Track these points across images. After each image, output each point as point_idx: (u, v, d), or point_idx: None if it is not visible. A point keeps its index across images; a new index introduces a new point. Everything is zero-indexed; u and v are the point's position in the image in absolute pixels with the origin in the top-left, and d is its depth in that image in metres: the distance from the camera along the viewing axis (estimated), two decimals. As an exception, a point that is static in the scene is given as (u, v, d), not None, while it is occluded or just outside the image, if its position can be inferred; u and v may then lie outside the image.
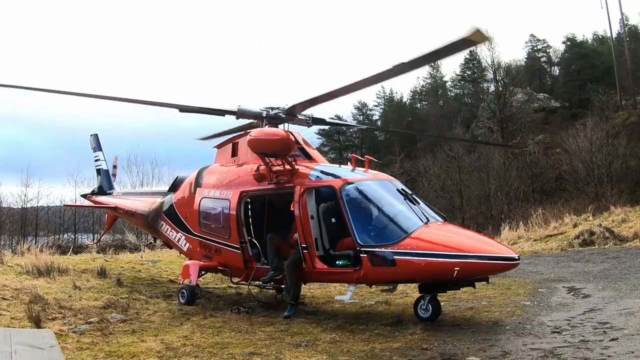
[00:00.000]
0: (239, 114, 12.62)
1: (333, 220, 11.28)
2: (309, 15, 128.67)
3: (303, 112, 12.86)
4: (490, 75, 57.95)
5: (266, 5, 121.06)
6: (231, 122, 13.21)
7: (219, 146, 14.02)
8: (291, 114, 12.60)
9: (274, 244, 11.77)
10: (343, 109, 77.66)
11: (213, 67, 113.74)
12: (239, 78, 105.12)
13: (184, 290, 12.34)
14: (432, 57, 10.21)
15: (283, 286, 11.74)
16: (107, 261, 17.91)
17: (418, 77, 76.15)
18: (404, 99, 76.27)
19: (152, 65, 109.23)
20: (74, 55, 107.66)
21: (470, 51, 66.51)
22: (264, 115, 12.60)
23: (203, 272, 13.40)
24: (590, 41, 63.95)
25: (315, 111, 13.13)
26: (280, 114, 12.57)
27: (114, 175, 20.11)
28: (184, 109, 12.33)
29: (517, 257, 9.74)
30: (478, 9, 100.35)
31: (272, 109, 12.70)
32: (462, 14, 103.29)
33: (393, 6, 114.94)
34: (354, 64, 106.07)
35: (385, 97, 76.55)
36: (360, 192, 11.18)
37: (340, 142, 70.87)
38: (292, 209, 11.51)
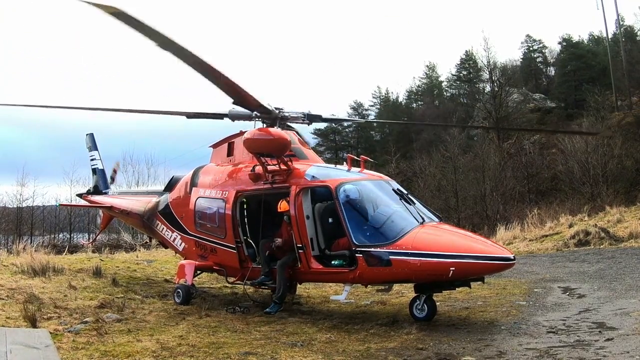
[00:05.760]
0: (231, 116, 12.77)
1: (329, 220, 11.29)
2: (305, 16, 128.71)
3: (300, 111, 12.97)
4: (486, 75, 58.10)
5: (263, 6, 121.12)
6: (227, 122, 13.35)
7: (214, 146, 14.01)
8: (264, 111, 12.72)
9: (266, 249, 11.79)
10: (339, 109, 77.83)
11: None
12: (238, 77, 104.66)
13: (179, 290, 12.34)
14: None
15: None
16: (102, 261, 17.88)
17: (414, 77, 76.34)
18: (400, 99, 76.45)
19: (148, 66, 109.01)
20: (71, 57, 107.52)
21: (467, 51, 66.82)
22: (254, 115, 12.67)
23: (199, 272, 13.41)
24: (586, 42, 64.00)
25: (312, 110, 13.23)
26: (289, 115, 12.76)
27: (113, 179, 20.10)
28: (190, 115, 12.92)
29: (512, 257, 9.77)
30: (475, 9, 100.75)
31: (281, 110, 12.79)
32: (459, 13, 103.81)
33: (392, 6, 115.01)
34: (352, 63, 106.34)
35: (381, 97, 76.68)
36: (356, 192, 11.21)
37: (336, 142, 70.83)
38: (279, 209, 11.52)
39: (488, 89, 57.38)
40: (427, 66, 75.69)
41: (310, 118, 13.36)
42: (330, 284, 14.04)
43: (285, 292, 11.72)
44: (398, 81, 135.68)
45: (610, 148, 39.01)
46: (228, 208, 12.40)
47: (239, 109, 12.64)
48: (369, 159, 12.61)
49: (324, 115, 14.26)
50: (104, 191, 19.10)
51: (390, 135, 65.00)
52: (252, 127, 12.70)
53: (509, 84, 53.96)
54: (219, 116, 12.88)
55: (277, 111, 12.72)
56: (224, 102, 12.28)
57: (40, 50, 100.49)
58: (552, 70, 68.69)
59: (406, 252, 9.90)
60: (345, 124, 69.06)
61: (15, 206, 46.83)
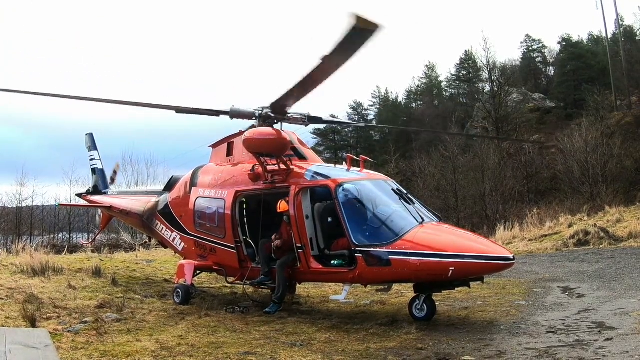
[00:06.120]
0: (232, 114, 12.61)
1: (328, 220, 11.28)
2: (305, 15, 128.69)
3: (299, 112, 12.88)
4: (485, 75, 58.05)
5: (265, 4, 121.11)
6: (226, 122, 13.25)
7: (214, 146, 14.00)
8: (281, 112, 12.53)
9: (265, 249, 11.78)
10: (339, 109, 77.75)
11: (209, 66, 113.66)
12: (234, 78, 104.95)
13: (178, 290, 12.33)
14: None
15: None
16: (102, 261, 17.88)
17: (414, 77, 76.21)
18: (399, 99, 76.45)
19: (148, 65, 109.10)
20: (71, 57, 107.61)
21: (466, 51, 66.82)
22: (257, 114, 12.59)
23: (198, 272, 13.40)
24: (585, 41, 64.01)
25: (311, 110, 13.17)
26: (270, 113, 12.57)
27: (113, 180, 20.05)
28: (180, 110, 12.44)
29: (512, 257, 9.77)
30: (474, 9, 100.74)
31: (265, 108, 12.71)
32: (459, 13, 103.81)
33: (392, 6, 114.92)
34: (351, 63, 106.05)
35: (381, 97, 76.66)
36: (356, 192, 11.20)
37: (336, 141, 70.83)
38: (278, 209, 11.51)
39: (487, 88, 57.35)
40: (427, 66, 75.73)
41: (311, 120, 13.35)
42: (330, 283, 14.04)
43: (285, 292, 11.72)
44: (398, 82, 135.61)
45: (610, 148, 38.99)
46: (227, 208, 12.40)
47: (241, 108, 12.60)
48: (368, 158, 12.60)
49: (324, 117, 14.25)
50: (103, 191, 19.10)
51: (390, 135, 64.92)
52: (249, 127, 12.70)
53: (508, 84, 53.87)
54: (214, 113, 12.70)
55: (256, 111, 12.71)
56: (224, 102, 12.26)
57: (40, 50, 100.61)
58: (551, 70, 68.77)
59: (405, 252, 9.90)
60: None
61: (14, 206, 46.94)
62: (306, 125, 13.56)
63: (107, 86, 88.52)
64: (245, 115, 12.71)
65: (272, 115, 12.46)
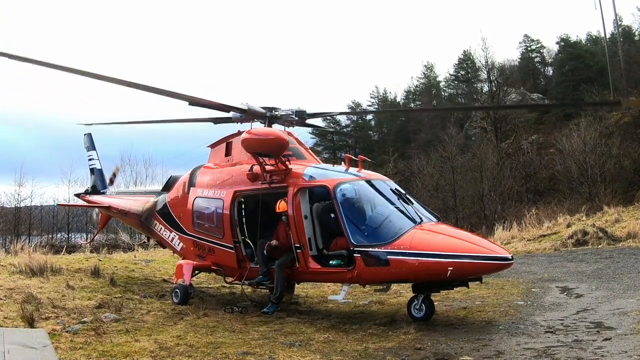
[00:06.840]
0: (249, 112, 12.59)
1: (327, 220, 11.29)
2: (305, 16, 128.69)
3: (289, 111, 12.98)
4: (484, 75, 58.13)
5: (265, 5, 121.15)
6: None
7: (212, 146, 14.00)
8: (301, 118, 12.73)
9: (263, 249, 11.77)
10: (338, 109, 77.69)
11: (209, 66, 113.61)
12: (234, 78, 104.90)
13: (177, 290, 12.31)
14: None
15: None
16: (100, 261, 17.84)
17: (412, 77, 76.18)
18: (398, 99, 76.39)
19: (149, 65, 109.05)
20: (71, 57, 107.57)
21: (465, 51, 66.88)
22: (267, 115, 12.63)
23: (196, 272, 13.39)
24: (583, 41, 64.10)
25: (308, 110, 13.17)
26: (292, 116, 12.65)
27: (112, 181, 19.95)
28: (193, 101, 12.08)
29: (510, 257, 9.77)
30: (473, 9, 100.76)
31: (274, 109, 12.73)
32: (457, 13, 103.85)
33: (392, 6, 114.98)
34: (351, 63, 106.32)
35: (379, 97, 76.59)
36: (354, 192, 11.20)
37: (334, 141, 70.83)
38: (277, 210, 11.51)
39: (486, 88, 57.47)
40: (425, 66, 75.76)
41: (303, 123, 13.46)
42: (329, 283, 14.04)
43: (283, 292, 11.72)
44: (397, 82, 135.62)
45: (608, 148, 39.04)
46: (226, 208, 12.39)
47: (256, 106, 12.60)
48: (366, 158, 12.62)
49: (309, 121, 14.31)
50: (102, 191, 19.07)
51: (389, 135, 64.94)
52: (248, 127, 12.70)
53: (507, 84, 53.97)
54: (225, 108, 12.58)
55: (267, 112, 12.75)
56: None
57: (40, 50, 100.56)
58: (550, 70, 68.84)
59: (404, 252, 9.90)
60: (344, 123, 69.14)
61: (13, 206, 46.94)
62: (292, 127, 13.61)
63: (107, 86, 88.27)
64: (258, 114, 12.72)
65: (296, 118, 12.56)
